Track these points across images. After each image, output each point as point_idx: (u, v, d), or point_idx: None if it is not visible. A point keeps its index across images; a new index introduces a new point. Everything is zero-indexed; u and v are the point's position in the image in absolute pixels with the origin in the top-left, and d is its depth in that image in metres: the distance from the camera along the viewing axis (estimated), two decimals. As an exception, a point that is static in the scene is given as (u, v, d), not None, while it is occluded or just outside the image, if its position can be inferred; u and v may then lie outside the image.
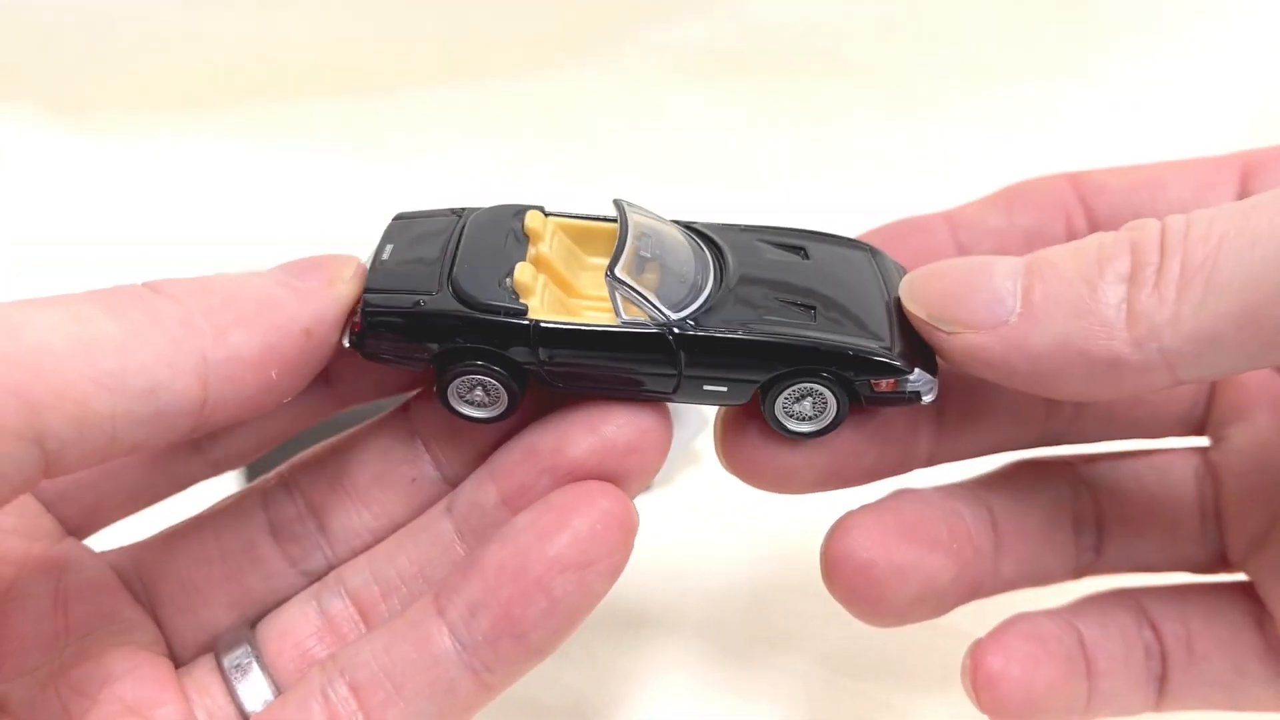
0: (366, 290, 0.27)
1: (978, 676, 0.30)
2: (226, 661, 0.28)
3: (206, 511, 0.30)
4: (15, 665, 0.27)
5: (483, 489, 0.28)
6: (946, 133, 0.63)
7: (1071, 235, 0.32)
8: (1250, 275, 0.23)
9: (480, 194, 0.66)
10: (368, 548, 0.30)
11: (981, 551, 0.31)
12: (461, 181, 0.62)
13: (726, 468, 0.30)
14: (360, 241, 0.33)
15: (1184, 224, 0.24)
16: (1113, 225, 0.30)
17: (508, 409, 0.28)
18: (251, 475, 0.43)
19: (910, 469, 0.31)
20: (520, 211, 0.30)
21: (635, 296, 0.27)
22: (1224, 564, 0.32)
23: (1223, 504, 0.32)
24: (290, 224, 0.59)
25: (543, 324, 0.27)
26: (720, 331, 0.27)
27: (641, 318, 0.27)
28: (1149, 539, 0.32)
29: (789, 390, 0.28)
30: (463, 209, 0.30)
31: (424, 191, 0.63)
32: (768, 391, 0.28)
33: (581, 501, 0.26)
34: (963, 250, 0.32)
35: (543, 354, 0.27)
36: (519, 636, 0.25)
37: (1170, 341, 0.24)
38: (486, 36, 0.65)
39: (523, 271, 0.27)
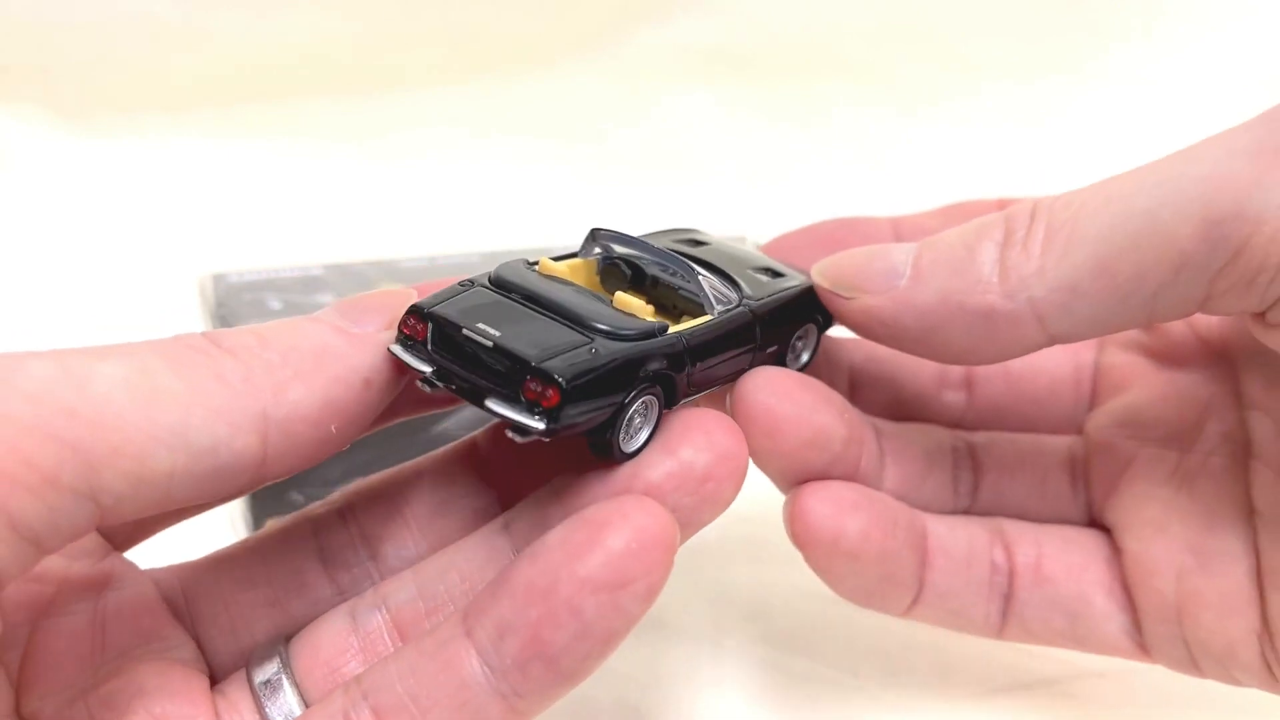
0: (540, 363, 0.25)
1: (793, 509, 0.31)
2: (257, 677, 0.27)
3: (255, 536, 0.30)
4: (49, 683, 0.26)
5: (545, 508, 0.27)
6: (947, 131, 0.63)
7: None
8: (1102, 230, 0.26)
9: (482, 194, 0.66)
10: (400, 572, 0.29)
11: (868, 447, 0.32)
12: (462, 182, 0.62)
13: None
14: (360, 241, 0.33)
15: (1052, 198, 0.28)
16: None
17: (652, 433, 0.27)
18: (255, 498, 0.42)
19: None
20: (528, 264, 0.29)
21: (719, 287, 0.30)
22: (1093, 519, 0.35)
23: (1089, 457, 0.34)
24: (290, 224, 0.59)
25: (690, 336, 0.28)
26: (772, 299, 0.30)
27: (728, 305, 0.29)
28: (1019, 488, 0.34)
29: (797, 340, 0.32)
30: (464, 281, 0.28)
31: (424, 191, 0.63)
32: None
33: (616, 517, 0.25)
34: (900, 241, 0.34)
35: (689, 364, 0.28)
36: (549, 660, 0.24)
37: (1037, 291, 0.27)
38: (487, 36, 0.65)
39: (621, 300, 0.28)
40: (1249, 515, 0.31)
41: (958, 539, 0.33)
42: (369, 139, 0.63)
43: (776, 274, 0.32)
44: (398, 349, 0.26)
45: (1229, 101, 0.61)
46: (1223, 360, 0.33)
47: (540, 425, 0.25)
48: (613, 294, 0.29)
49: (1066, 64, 0.63)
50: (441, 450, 0.31)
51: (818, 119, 0.64)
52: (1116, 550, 0.33)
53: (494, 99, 0.65)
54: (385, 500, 0.30)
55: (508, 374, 0.25)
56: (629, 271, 0.31)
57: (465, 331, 0.26)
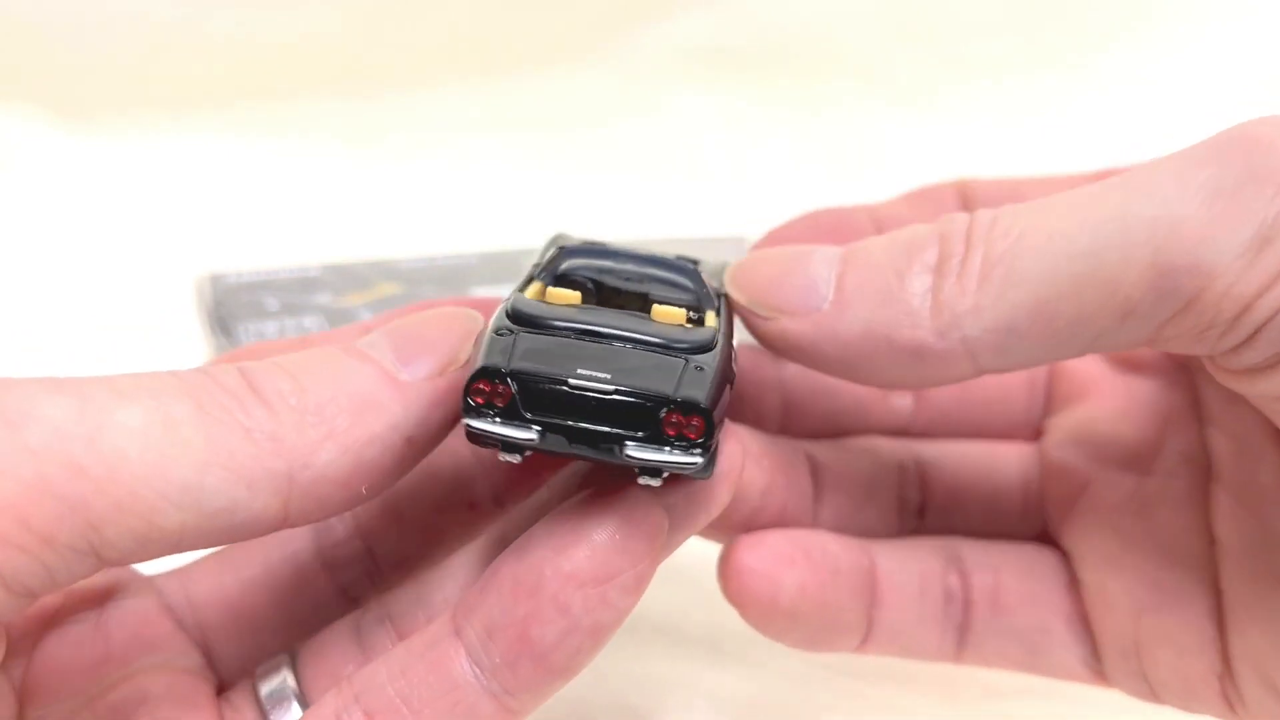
0: (679, 394, 0.23)
1: (726, 566, 0.30)
2: (263, 689, 0.27)
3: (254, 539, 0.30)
4: (54, 692, 0.26)
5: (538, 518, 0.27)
6: (949, 130, 0.63)
7: None
8: (1043, 270, 0.24)
9: (481, 194, 0.66)
10: (406, 582, 0.29)
11: (795, 486, 0.31)
12: (460, 181, 0.62)
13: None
14: (358, 241, 0.33)
15: (990, 217, 0.25)
16: None
17: None
18: None
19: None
20: (523, 296, 0.27)
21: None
22: (1049, 541, 0.33)
23: (1044, 478, 0.33)
24: (288, 224, 0.59)
25: (725, 337, 0.26)
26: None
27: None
28: (969, 509, 0.33)
29: None
30: (501, 330, 0.24)
31: (423, 191, 0.63)
32: None
33: (599, 509, 0.24)
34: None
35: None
36: (538, 657, 0.24)
37: (971, 330, 0.25)
38: (486, 36, 0.65)
39: (660, 313, 0.26)
40: (1209, 546, 0.29)
41: (909, 571, 0.31)
42: (367, 139, 0.63)
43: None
44: (478, 424, 0.23)
45: (1229, 101, 0.61)
46: (1182, 369, 0.31)
47: (698, 459, 0.23)
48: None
49: (1067, 62, 0.63)
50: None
51: (818, 118, 0.64)
52: (1075, 577, 0.31)
53: (494, 99, 0.64)
54: (380, 497, 0.29)
55: (633, 416, 0.23)
56: (591, 286, 0.28)
57: (573, 381, 0.23)
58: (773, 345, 0.27)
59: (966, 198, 0.33)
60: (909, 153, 0.62)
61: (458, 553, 0.29)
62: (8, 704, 0.25)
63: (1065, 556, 0.32)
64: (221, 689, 0.28)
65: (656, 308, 0.26)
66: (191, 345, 0.48)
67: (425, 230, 0.58)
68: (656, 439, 0.23)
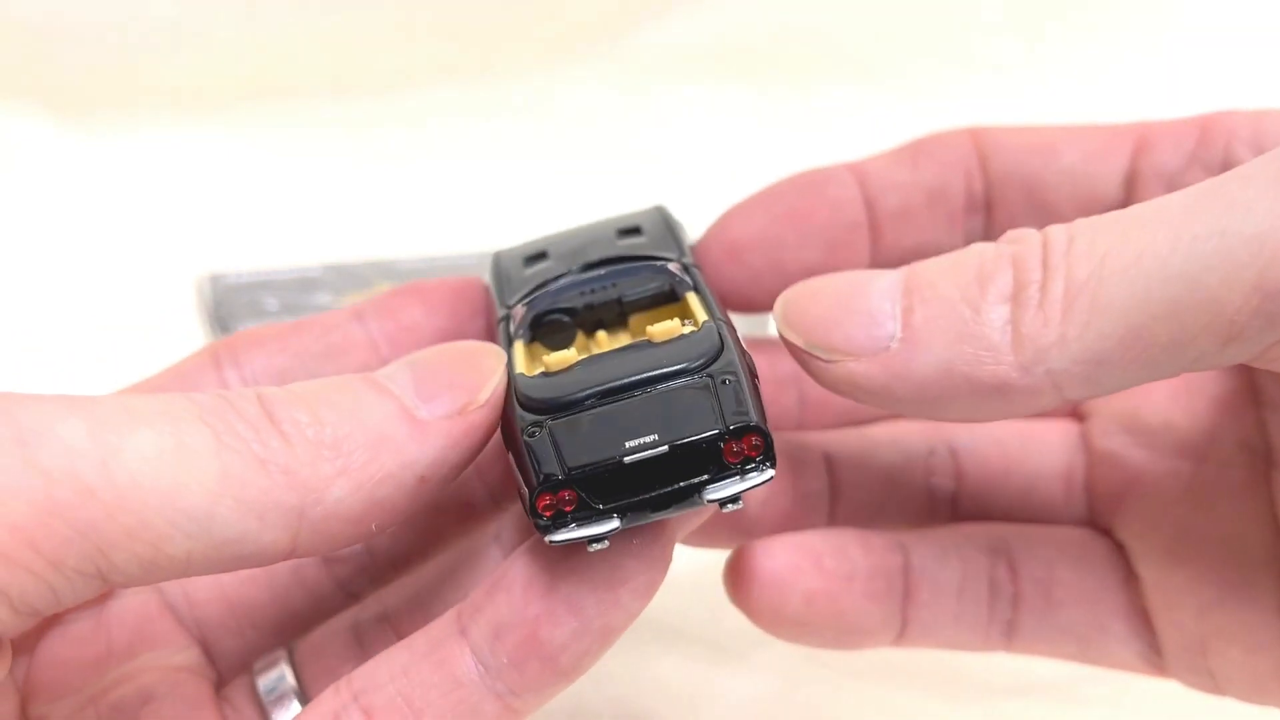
0: (729, 424, 0.23)
1: (732, 573, 0.29)
2: (261, 685, 0.27)
3: None
4: (56, 689, 0.26)
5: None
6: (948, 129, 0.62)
7: (969, 195, 0.31)
8: (1134, 295, 0.22)
9: (481, 193, 0.66)
10: (413, 569, 0.29)
11: (804, 491, 0.30)
12: (460, 181, 0.62)
13: None
14: (358, 241, 0.33)
15: (1066, 238, 0.23)
16: (1005, 189, 0.30)
17: None
18: None
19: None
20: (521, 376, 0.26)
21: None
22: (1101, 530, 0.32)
23: (1091, 467, 0.32)
24: (288, 224, 0.59)
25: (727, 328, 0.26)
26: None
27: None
28: (1006, 498, 0.31)
29: None
30: (530, 429, 0.24)
31: (423, 191, 0.63)
32: None
33: None
34: (870, 204, 0.31)
35: None
36: (547, 659, 0.23)
37: (1057, 363, 0.23)
38: (486, 36, 0.65)
39: (658, 331, 0.25)
40: (1274, 538, 0.28)
41: (949, 566, 0.30)
42: (367, 138, 0.63)
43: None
44: (561, 536, 0.23)
45: (1236, 105, 0.61)
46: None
47: (771, 470, 0.23)
48: (591, 336, 0.27)
49: (1071, 62, 0.63)
50: None
51: (819, 117, 0.64)
52: (1130, 570, 0.30)
53: (494, 99, 0.64)
54: None
55: (696, 461, 0.23)
56: (567, 319, 0.27)
57: (629, 460, 0.23)
58: (838, 389, 0.25)
59: (983, 149, 0.31)
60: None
61: (455, 551, 0.29)
62: (11, 702, 0.25)
63: (1118, 546, 0.31)
64: (220, 685, 0.28)
65: (650, 329, 0.25)
66: (191, 345, 0.48)
67: (425, 230, 0.58)
68: (727, 471, 0.23)
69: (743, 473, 0.23)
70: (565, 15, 0.65)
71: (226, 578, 0.29)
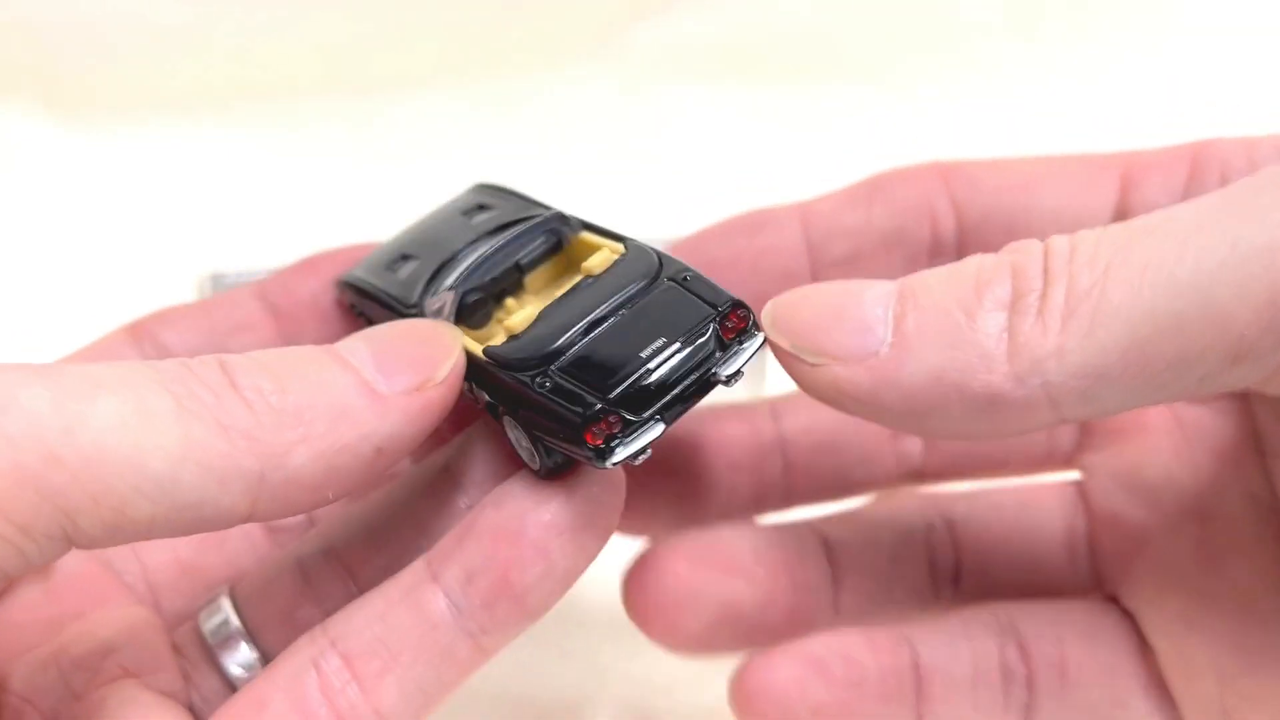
0: (723, 302, 0.25)
1: (736, 690, 0.29)
2: (206, 626, 0.28)
3: None
4: (13, 648, 0.27)
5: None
6: (951, 130, 0.63)
7: (936, 239, 0.30)
8: (1138, 306, 0.21)
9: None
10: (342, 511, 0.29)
11: (804, 581, 0.29)
12: (461, 181, 0.62)
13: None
14: (360, 239, 0.33)
15: (1068, 247, 0.23)
16: (984, 229, 0.29)
17: None
18: None
19: (765, 511, 0.30)
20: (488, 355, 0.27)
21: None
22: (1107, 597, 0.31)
23: (1093, 531, 0.30)
24: (289, 223, 0.59)
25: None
26: None
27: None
28: (1008, 571, 0.30)
29: None
30: (545, 375, 0.25)
31: (423, 191, 0.63)
32: None
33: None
34: (813, 250, 0.30)
35: None
36: (516, 599, 0.25)
37: (1055, 375, 0.22)
38: (487, 36, 0.65)
39: (584, 243, 0.28)
40: None
41: (959, 658, 0.29)
42: (367, 138, 0.63)
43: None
44: (619, 457, 0.24)
45: (1234, 103, 0.61)
46: (1232, 395, 0.29)
47: (760, 336, 0.25)
48: (500, 306, 0.28)
49: (1070, 62, 0.63)
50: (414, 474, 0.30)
51: (819, 117, 0.64)
52: (1144, 639, 0.29)
53: (494, 98, 0.64)
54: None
55: (703, 348, 0.25)
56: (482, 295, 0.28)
57: (648, 368, 0.24)
58: (822, 395, 0.25)
59: (954, 187, 0.30)
60: (910, 152, 0.62)
61: (397, 482, 0.29)
62: None
63: (1128, 615, 0.29)
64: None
65: (585, 264, 0.27)
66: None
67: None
68: (727, 349, 0.25)
69: (740, 346, 0.25)
70: (565, 15, 0.65)
71: (179, 540, 0.29)
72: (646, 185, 0.61)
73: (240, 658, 0.27)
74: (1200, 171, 0.28)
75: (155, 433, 0.21)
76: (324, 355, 0.24)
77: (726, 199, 0.61)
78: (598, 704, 0.37)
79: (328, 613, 0.27)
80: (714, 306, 0.25)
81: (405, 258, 0.30)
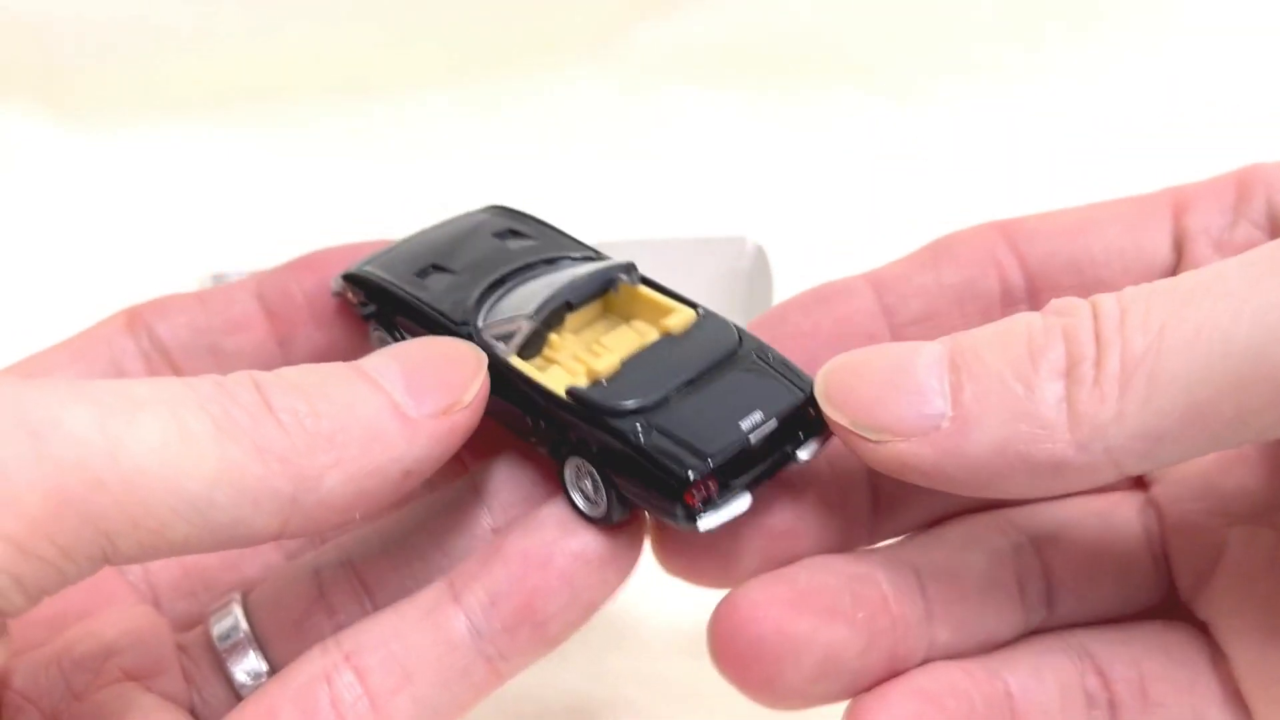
0: (809, 391, 0.26)
1: None
2: (216, 632, 0.28)
3: None
4: (15, 646, 0.26)
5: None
6: (951, 130, 0.63)
7: (1005, 287, 0.30)
8: (1195, 370, 0.22)
9: (481, 193, 0.66)
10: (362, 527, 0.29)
11: (902, 619, 0.28)
12: (462, 181, 0.62)
13: (660, 562, 0.28)
14: (361, 239, 0.33)
15: (1118, 310, 0.23)
16: (1047, 272, 0.30)
17: None
18: None
19: (854, 547, 0.29)
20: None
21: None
22: (1180, 606, 0.30)
23: (1167, 541, 0.30)
24: (290, 223, 0.59)
25: None
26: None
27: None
28: (1101, 586, 0.30)
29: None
30: (645, 424, 0.26)
31: (424, 191, 0.63)
32: None
33: None
34: (889, 313, 0.31)
35: None
36: (538, 625, 0.25)
37: (1115, 440, 0.22)
38: (487, 36, 0.65)
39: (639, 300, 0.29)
40: None
41: (1046, 687, 0.28)
42: (368, 138, 0.63)
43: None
44: (710, 523, 0.25)
45: (1231, 99, 0.61)
46: None
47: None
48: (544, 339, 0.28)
49: (1070, 63, 0.63)
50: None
51: (819, 117, 0.64)
52: (1217, 649, 0.29)
53: (494, 98, 0.64)
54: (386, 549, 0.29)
55: (791, 429, 0.26)
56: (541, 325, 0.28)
57: (752, 438, 0.25)
58: (886, 469, 0.25)
59: (1013, 239, 0.30)
60: (909, 152, 0.62)
61: (421, 501, 0.29)
62: None
63: (1199, 626, 0.29)
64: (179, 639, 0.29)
65: (665, 322, 0.27)
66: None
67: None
68: (814, 431, 0.26)
69: (820, 431, 0.26)
70: (566, 16, 0.65)
71: None
72: (647, 185, 0.61)
73: (248, 665, 0.27)
74: (1247, 194, 0.29)
75: (194, 455, 0.21)
76: (355, 376, 0.24)
77: (726, 198, 0.61)
78: (598, 700, 0.37)
79: (340, 626, 0.27)
80: (802, 390, 0.26)
81: (436, 269, 0.30)
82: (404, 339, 0.28)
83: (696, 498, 0.24)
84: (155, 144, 0.62)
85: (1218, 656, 0.28)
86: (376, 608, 0.28)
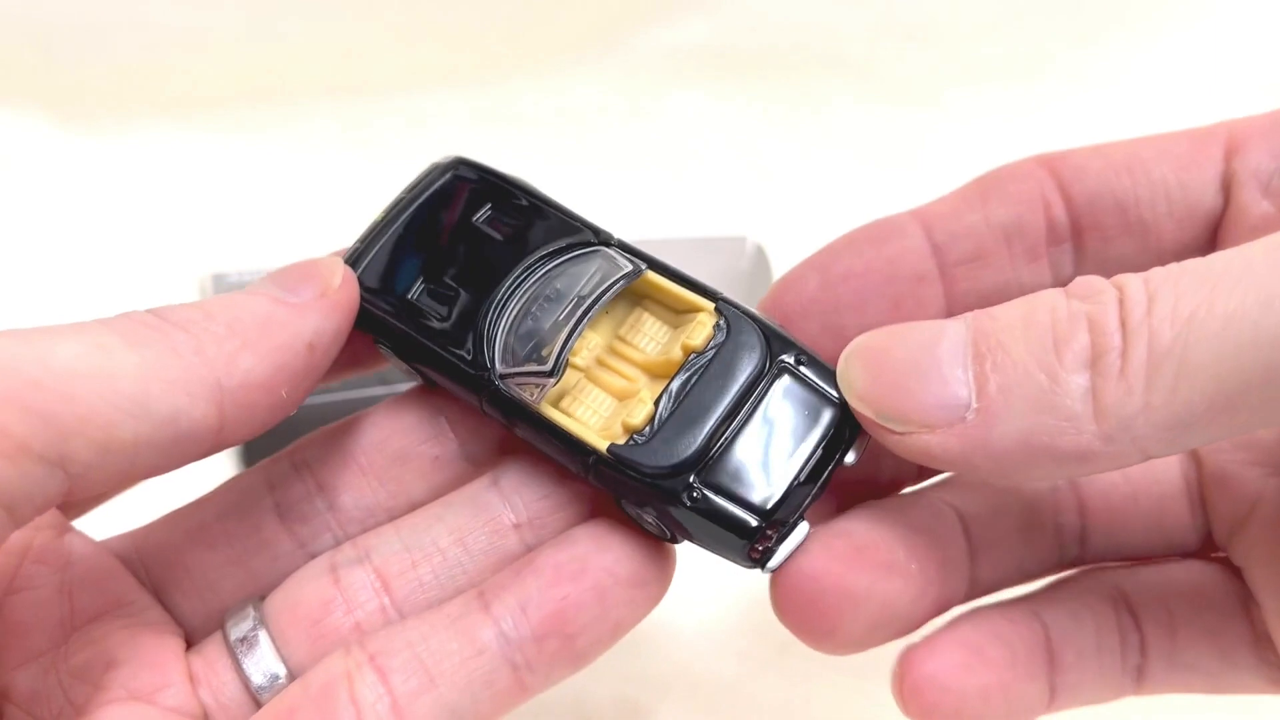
0: (840, 399, 0.27)
1: (903, 683, 0.29)
2: (233, 635, 0.28)
3: (208, 495, 0.30)
4: (19, 654, 0.27)
5: (537, 465, 0.28)
6: (950, 129, 0.63)
7: (1052, 226, 0.30)
8: (1223, 360, 0.21)
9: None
10: (380, 525, 0.29)
11: (950, 562, 0.29)
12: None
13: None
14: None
15: (1145, 297, 0.23)
16: (1095, 211, 0.30)
17: None
18: (248, 453, 0.43)
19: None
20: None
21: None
22: (1214, 550, 0.31)
23: (1205, 487, 0.31)
24: (290, 223, 0.59)
25: None
26: None
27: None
28: (1135, 527, 0.31)
29: None
30: (691, 484, 0.26)
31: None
32: None
33: (628, 523, 0.27)
34: (939, 252, 0.31)
35: None
36: (567, 638, 0.26)
37: (1141, 430, 0.22)
38: (487, 36, 0.65)
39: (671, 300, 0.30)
40: None
41: (1084, 627, 0.29)
42: (367, 139, 0.63)
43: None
44: (777, 562, 0.26)
45: (1227, 98, 0.61)
46: None
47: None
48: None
49: (1068, 62, 0.63)
50: (393, 398, 0.30)
51: (819, 117, 0.64)
52: (1250, 595, 0.29)
53: (494, 98, 0.64)
54: (338, 448, 0.30)
55: (835, 445, 0.26)
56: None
57: (798, 479, 0.26)
58: (913, 458, 0.25)
59: (1060, 175, 0.30)
60: (909, 152, 0.62)
61: (444, 500, 0.29)
62: None
63: (1233, 570, 0.30)
64: (191, 643, 0.29)
65: (686, 341, 0.27)
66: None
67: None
68: (856, 430, 0.26)
69: (862, 429, 0.26)
70: (566, 17, 0.65)
71: (181, 541, 0.29)
72: (647, 186, 0.61)
73: (265, 667, 0.27)
74: None
75: (116, 360, 0.23)
76: (234, 294, 0.26)
77: (726, 198, 0.61)
78: (598, 698, 0.37)
79: (358, 624, 0.27)
80: (839, 395, 0.26)
81: (427, 281, 0.29)
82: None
83: (758, 550, 0.25)
84: (155, 144, 0.62)
85: (1250, 601, 0.29)
86: (395, 605, 0.28)
